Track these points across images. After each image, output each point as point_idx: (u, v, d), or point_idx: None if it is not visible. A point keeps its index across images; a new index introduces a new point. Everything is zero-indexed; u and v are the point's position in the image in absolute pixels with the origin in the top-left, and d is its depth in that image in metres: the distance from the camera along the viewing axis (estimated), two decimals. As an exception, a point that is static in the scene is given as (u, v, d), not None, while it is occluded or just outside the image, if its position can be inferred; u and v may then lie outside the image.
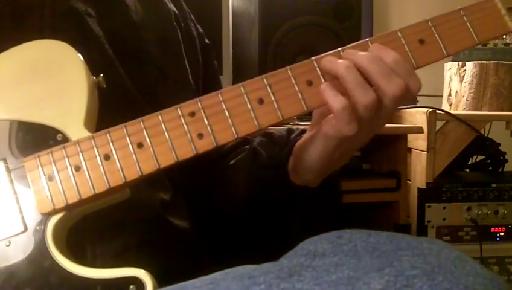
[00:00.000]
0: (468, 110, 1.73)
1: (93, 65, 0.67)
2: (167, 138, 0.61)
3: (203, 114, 0.62)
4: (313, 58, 0.65)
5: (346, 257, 0.50)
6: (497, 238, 1.65)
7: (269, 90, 0.63)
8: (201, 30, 0.96)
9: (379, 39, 0.67)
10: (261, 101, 0.63)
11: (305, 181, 0.75)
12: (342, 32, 1.61)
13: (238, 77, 1.68)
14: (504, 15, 0.68)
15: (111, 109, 0.67)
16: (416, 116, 1.62)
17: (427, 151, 1.59)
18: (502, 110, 1.71)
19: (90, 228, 0.66)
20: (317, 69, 0.65)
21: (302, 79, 0.64)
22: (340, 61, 0.63)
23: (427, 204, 1.61)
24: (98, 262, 0.68)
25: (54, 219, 0.60)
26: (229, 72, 1.66)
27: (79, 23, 0.75)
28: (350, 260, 0.49)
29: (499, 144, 1.76)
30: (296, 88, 0.64)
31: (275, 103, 0.63)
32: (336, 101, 0.62)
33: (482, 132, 1.68)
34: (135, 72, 0.79)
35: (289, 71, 0.64)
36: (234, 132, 0.62)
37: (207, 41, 0.96)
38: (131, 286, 0.57)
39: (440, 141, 1.60)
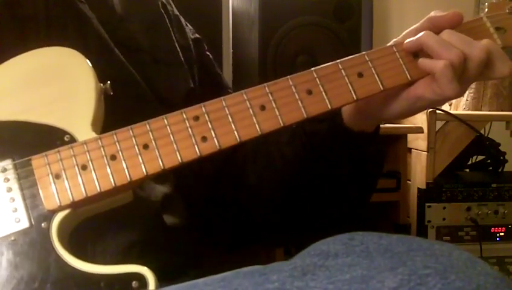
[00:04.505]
0: (468, 110, 1.73)
1: (90, 49, 0.69)
2: (172, 140, 0.63)
3: (207, 118, 0.64)
4: (312, 68, 0.68)
5: (358, 258, 0.50)
6: (497, 238, 1.65)
7: (270, 98, 0.66)
8: (190, 26, 0.97)
9: (376, 53, 0.70)
10: (262, 108, 0.66)
11: (364, 126, 0.78)
12: (342, 32, 1.61)
13: (238, 76, 1.67)
14: (493, 33, 0.74)
15: (114, 90, 0.68)
16: (416, 116, 1.62)
17: (427, 151, 1.59)
18: (502, 110, 1.72)
19: (93, 226, 0.67)
20: (317, 79, 0.68)
21: (302, 88, 0.67)
22: (419, 34, 0.70)
23: (427, 204, 1.61)
24: (100, 259, 0.68)
25: (60, 216, 0.61)
26: (229, 72, 1.65)
27: (72, 9, 0.77)
28: (363, 261, 0.50)
29: (499, 144, 1.76)
30: (297, 96, 0.67)
31: (276, 110, 0.66)
32: (436, 63, 0.68)
33: (482, 132, 1.69)
34: (129, 58, 0.80)
35: (290, 80, 0.67)
36: (237, 136, 0.64)
37: (197, 35, 0.97)
38: (134, 282, 0.58)
39: (440, 141, 1.60)
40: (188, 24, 0.96)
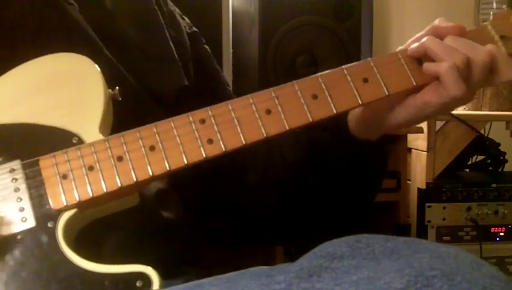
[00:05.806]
0: (468, 110, 1.74)
1: (80, 50, 0.69)
2: (178, 142, 0.64)
3: (213, 121, 0.65)
4: (318, 74, 0.69)
5: (364, 260, 0.50)
6: (497, 238, 1.65)
7: (276, 102, 0.67)
8: (187, 20, 0.96)
9: (381, 59, 0.71)
10: (268, 112, 0.66)
11: (368, 135, 0.79)
12: (342, 32, 1.61)
13: (238, 76, 1.68)
14: (497, 40, 0.75)
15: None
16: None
17: (427, 151, 1.60)
18: (502, 110, 1.72)
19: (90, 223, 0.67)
20: (322, 84, 0.68)
21: (307, 92, 0.68)
22: (423, 39, 0.71)
23: (427, 204, 1.61)
24: (95, 257, 0.68)
25: (66, 216, 0.62)
26: (229, 72, 1.66)
27: (59, 10, 0.77)
28: (369, 263, 0.50)
29: (499, 144, 1.77)
30: (302, 101, 0.67)
31: (281, 114, 0.66)
32: (441, 65, 0.68)
33: (482, 132, 1.69)
34: (119, 56, 0.80)
35: (296, 85, 0.68)
36: (242, 139, 0.65)
37: (195, 29, 0.96)
38: (138, 282, 0.58)
39: (440, 141, 1.60)
40: (185, 18, 0.95)
